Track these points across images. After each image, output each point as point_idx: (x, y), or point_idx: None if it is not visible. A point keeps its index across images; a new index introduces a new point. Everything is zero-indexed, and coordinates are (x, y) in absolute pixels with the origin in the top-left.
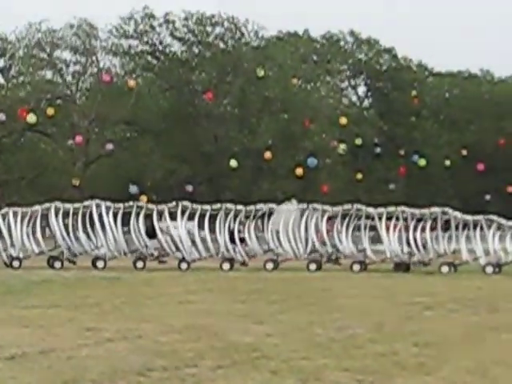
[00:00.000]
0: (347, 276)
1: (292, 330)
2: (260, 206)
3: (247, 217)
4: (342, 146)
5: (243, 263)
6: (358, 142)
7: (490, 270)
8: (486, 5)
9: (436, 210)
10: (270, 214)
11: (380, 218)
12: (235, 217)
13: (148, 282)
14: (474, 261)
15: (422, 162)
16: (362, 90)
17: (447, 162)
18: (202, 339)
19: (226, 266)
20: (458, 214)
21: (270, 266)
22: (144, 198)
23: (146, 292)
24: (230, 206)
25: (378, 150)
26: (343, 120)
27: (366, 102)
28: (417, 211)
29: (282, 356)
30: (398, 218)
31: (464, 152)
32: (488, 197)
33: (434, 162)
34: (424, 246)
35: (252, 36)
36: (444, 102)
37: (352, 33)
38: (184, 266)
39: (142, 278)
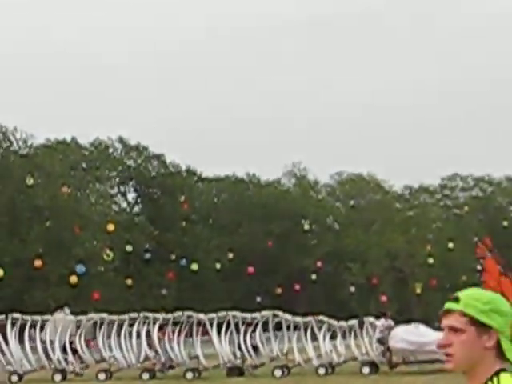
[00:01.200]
0: None
1: None
2: (91, 315)
3: (78, 327)
4: (110, 253)
5: (76, 373)
6: (129, 248)
7: (322, 371)
8: (248, 109)
9: (267, 313)
10: (102, 323)
11: (211, 324)
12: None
13: None
14: (306, 362)
15: (194, 267)
16: (131, 196)
17: (218, 266)
18: None
19: (58, 377)
20: (289, 316)
21: (102, 376)
22: None
23: None
24: (59, 316)
25: (148, 255)
26: (111, 227)
27: (137, 208)
28: (248, 315)
29: None
30: (228, 323)
31: (232, 255)
32: (259, 298)
33: (205, 266)
34: (255, 350)
35: (21, 144)
36: (213, 206)
37: (121, 139)
38: (15, 378)
39: None
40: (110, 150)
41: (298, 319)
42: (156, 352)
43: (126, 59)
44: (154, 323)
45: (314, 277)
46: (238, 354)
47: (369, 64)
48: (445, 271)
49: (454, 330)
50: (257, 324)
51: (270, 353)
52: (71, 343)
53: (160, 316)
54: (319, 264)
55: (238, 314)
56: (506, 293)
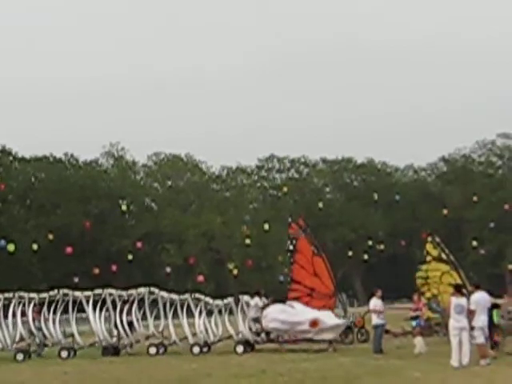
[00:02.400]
0: None
1: None
2: None
3: None
4: None
5: None
6: None
7: (196, 349)
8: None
9: (143, 290)
10: None
11: (88, 302)
12: None
13: None
14: (181, 341)
15: (10, 248)
16: None
17: (35, 246)
18: None
19: None
20: (165, 294)
21: None
22: None
23: None
24: None
25: None
26: None
27: None
28: (124, 292)
29: None
30: (104, 301)
31: (51, 236)
32: (76, 279)
33: (23, 247)
34: (131, 328)
35: None
36: (30, 187)
37: None
38: None
39: None
40: None
41: (175, 297)
42: (31, 332)
43: None
44: (30, 303)
45: (130, 257)
46: (115, 332)
47: None
48: (261, 252)
49: None
50: (133, 301)
51: (146, 331)
52: None
53: (35, 295)
54: (139, 245)
55: (114, 291)
56: (318, 271)
